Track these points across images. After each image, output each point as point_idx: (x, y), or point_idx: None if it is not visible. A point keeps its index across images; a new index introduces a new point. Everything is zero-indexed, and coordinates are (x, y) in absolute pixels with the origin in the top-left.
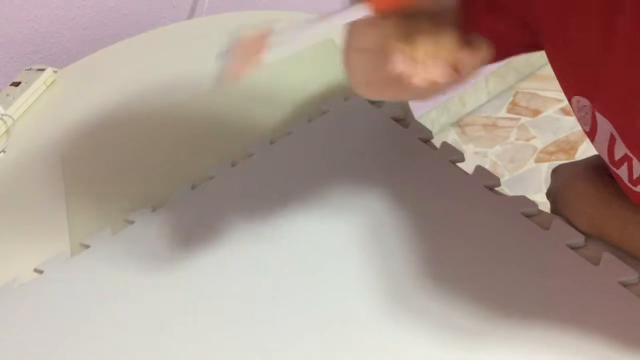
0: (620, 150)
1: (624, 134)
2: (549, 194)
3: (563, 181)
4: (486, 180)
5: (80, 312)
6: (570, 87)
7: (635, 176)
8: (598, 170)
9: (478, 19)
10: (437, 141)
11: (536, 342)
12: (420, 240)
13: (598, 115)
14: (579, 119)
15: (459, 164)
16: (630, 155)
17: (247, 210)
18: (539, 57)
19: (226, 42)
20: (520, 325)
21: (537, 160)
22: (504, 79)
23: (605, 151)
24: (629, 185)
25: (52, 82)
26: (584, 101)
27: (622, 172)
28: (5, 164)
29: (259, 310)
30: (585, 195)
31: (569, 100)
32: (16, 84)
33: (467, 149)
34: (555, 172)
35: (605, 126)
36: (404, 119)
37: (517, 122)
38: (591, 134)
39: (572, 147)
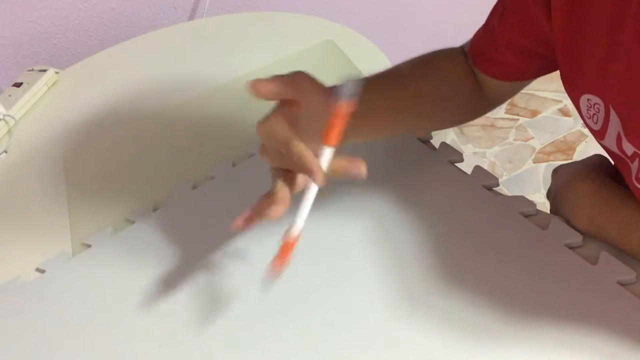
0: (629, 148)
1: (628, 131)
2: (549, 194)
3: (563, 180)
4: (485, 181)
5: (81, 311)
6: (579, 86)
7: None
8: (598, 170)
9: (507, 38)
10: (436, 141)
11: (534, 341)
12: (418, 239)
13: (612, 112)
14: (588, 118)
15: (458, 164)
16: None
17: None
18: None
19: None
20: (518, 324)
21: (536, 161)
22: None
23: (616, 147)
24: (635, 182)
25: (54, 83)
26: (595, 99)
27: (634, 167)
28: (7, 164)
29: (260, 310)
30: (585, 194)
31: (577, 100)
32: (18, 85)
33: (466, 150)
34: (556, 172)
35: (615, 124)
36: None
37: (515, 123)
38: (601, 133)
39: (570, 147)
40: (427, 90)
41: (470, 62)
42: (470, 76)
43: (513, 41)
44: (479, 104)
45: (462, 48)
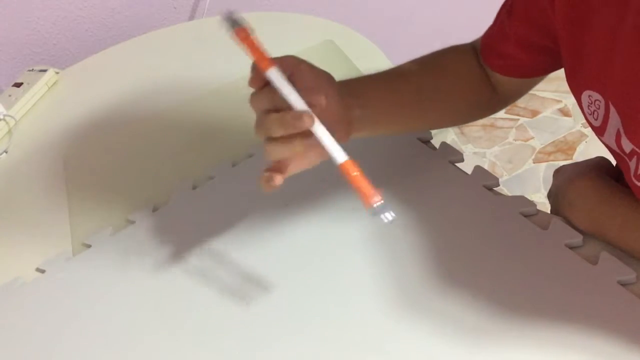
0: (627, 145)
1: (627, 128)
2: (550, 195)
3: (564, 180)
4: (485, 180)
5: (81, 311)
6: (582, 82)
7: (639, 171)
8: (599, 170)
9: (515, 32)
10: (436, 142)
11: (534, 341)
12: (418, 240)
13: (612, 109)
14: (589, 115)
15: (458, 164)
16: (637, 149)
17: (247, 210)
18: None
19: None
20: (518, 324)
21: (536, 161)
22: None
23: (614, 144)
24: (634, 180)
25: (54, 83)
26: (596, 95)
27: (632, 164)
28: (8, 164)
29: (260, 310)
30: (585, 193)
31: (579, 96)
32: (18, 85)
33: (466, 150)
34: (558, 172)
35: (615, 120)
36: None
37: (515, 123)
38: (601, 129)
39: (570, 147)
40: (429, 84)
41: (480, 58)
42: (479, 72)
43: (521, 35)
44: (488, 100)
45: (472, 44)
